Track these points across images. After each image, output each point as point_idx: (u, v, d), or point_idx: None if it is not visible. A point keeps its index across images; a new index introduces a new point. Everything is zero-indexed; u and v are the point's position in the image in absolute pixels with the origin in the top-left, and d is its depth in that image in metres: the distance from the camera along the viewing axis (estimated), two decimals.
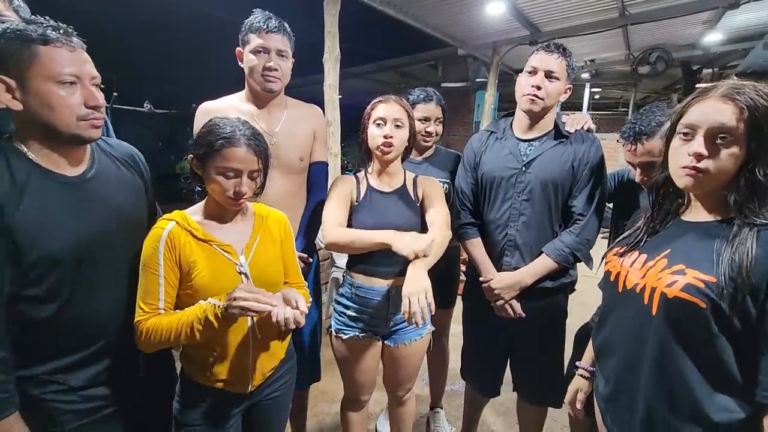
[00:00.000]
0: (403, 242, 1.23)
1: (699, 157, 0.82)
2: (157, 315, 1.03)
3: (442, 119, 1.88)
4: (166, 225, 1.06)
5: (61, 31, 0.92)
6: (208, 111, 1.50)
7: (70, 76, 0.90)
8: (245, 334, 1.14)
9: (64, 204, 0.95)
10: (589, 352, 1.17)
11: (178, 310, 1.06)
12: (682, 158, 0.85)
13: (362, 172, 1.54)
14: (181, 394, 1.17)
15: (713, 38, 5.80)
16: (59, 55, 0.89)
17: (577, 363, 1.21)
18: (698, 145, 0.82)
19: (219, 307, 0.99)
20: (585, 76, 8.37)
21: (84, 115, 0.93)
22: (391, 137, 1.39)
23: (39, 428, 0.96)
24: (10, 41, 0.86)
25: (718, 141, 0.81)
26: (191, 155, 1.11)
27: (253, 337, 1.15)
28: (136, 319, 1.03)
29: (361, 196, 1.47)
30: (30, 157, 0.93)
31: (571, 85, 1.51)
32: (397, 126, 1.41)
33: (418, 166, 1.87)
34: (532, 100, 1.46)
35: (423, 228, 1.46)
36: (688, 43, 6.19)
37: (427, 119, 1.84)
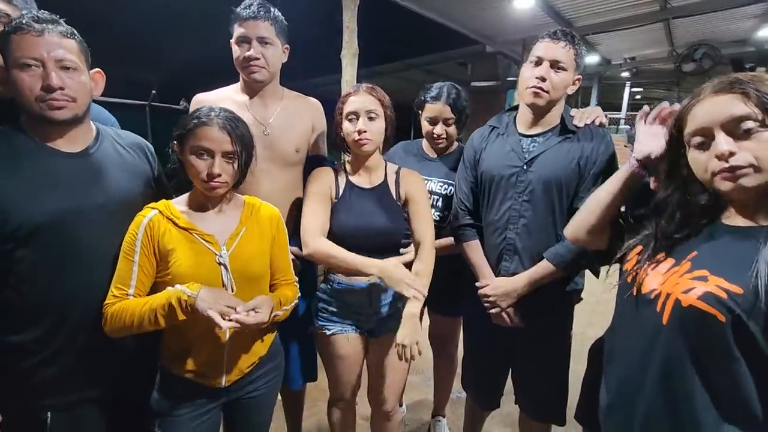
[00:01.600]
0: (393, 280, 1.26)
1: (730, 154, 0.71)
2: (125, 300, 1.04)
3: (453, 120, 1.70)
4: (148, 213, 1.08)
5: (33, 19, 0.95)
6: (201, 102, 1.48)
7: (30, 59, 0.94)
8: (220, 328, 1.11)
9: (51, 173, 1.00)
10: None
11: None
12: (711, 164, 0.74)
13: (341, 164, 1.48)
14: (159, 384, 1.17)
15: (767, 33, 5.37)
16: (23, 40, 0.94)
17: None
18: (723, 143, 0.72)
19: (189, 296, 0.98)
20: (625, 74, 7.97)
21: (41, 96, 0.95)
22: (365, 131, 1.32)
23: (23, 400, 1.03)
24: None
25: (742, 130, 0.71)
26: (174, 141, 1.12)
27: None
28: (104, 303, 1.04)
29: (340, 192, 1.40)
30: (28, 133, 1.01)
31: (580, 76, 1.39)
32: (371, 118, 1.33)
33: (430, 162, 1.79)
34: (536, 93, 1.34)
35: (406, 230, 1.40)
36: (739, 39, 5.75)
37: (434, 120, 1.71)
